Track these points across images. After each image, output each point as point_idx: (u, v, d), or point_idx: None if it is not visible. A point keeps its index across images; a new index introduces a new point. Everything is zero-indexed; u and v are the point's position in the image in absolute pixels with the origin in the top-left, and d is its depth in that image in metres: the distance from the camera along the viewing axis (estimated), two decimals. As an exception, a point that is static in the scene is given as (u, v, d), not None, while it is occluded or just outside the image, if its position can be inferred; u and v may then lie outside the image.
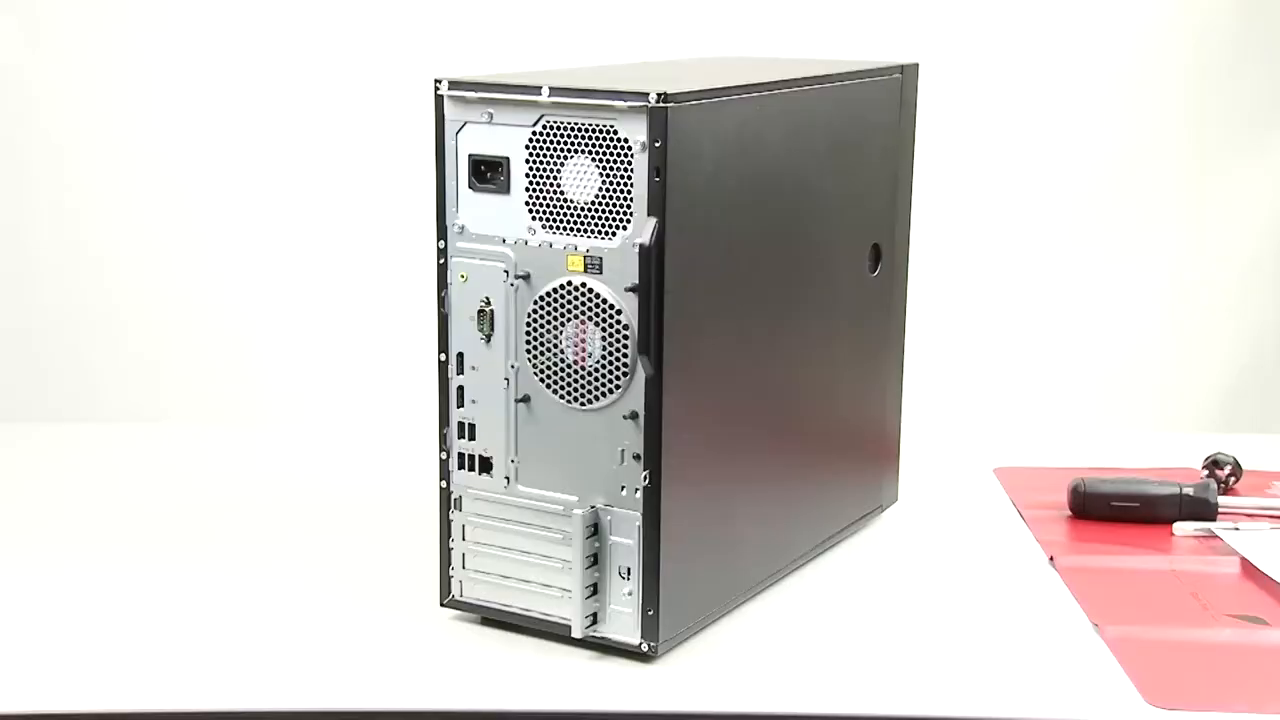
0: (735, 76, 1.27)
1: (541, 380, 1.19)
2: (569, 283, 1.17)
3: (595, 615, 1.20)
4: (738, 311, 1.21)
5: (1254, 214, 2.58)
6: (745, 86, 1.21)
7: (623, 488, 1.18)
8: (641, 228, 1.12)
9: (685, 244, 1.14)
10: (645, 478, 1.15)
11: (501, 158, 1.18)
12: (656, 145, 1.10)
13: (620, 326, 1.15)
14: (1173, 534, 1.47)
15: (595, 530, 1.19)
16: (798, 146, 1.28)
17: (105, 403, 2.65)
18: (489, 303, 1.20)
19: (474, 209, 1.20)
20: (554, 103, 1.15)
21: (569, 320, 1.17)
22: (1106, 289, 2.41)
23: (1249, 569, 1.40)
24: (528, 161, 1.17)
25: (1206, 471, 1.61)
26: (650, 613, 1.18)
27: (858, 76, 1.37)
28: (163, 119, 2.64)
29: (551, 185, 1.17)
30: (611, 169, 1.14)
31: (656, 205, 1.12)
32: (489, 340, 1.21)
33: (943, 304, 2.28)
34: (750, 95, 1.20)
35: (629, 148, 1.13)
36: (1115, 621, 1.27)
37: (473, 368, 1.22)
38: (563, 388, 1.18)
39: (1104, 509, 1.51)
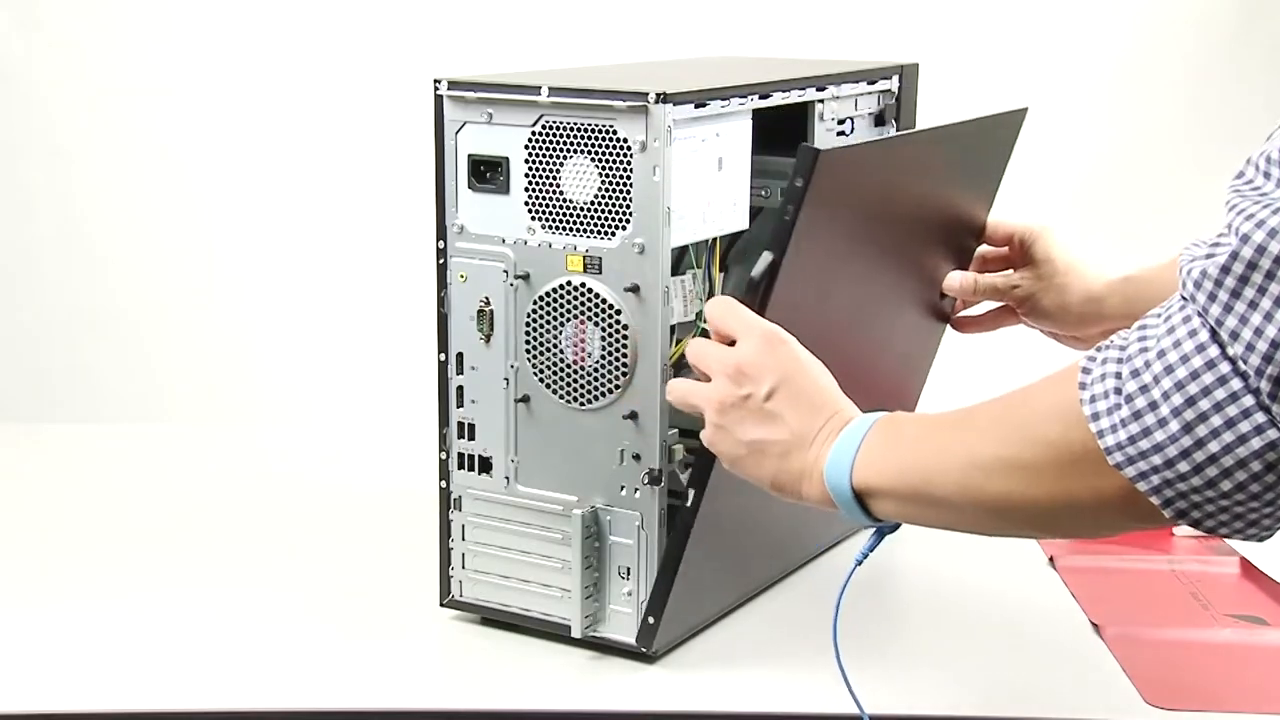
0: (735, 76, 1.27)
1: (541, 380, 1.19)
2: (568, 283, 1.17)
3: (595, 615, 1.20)
4: (819, 345, 1.14)
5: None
6: (746, 87, 1.21)
7: (622, 488, 1.18)
8: (757, 259, 1.09)
9: (793, 283, 1.11)
10: (691, 497, 1.14)
11: (501, 158, 1.18)
12: (798, 184, 1.07)
13: (620, 326, 1.15)
14: (1173, 534, 1.47)
15: (595, 530, 1.19)
16: (922, 192, 1.26)
17: (106, 403, 2.65)
18: (489, 303, 1.20)
19: (473, 209, 1.20)
20: (553, 103, 1.15)
21: (568, 320, 1.17)
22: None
23: (1249, 569, 1.40)
24: (527, 161, 1.17)
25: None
26: (651, 620, 1.17)
27: (856, 77, 1.37)
28: (164, 120, 2.65)
29: (551, 185, 1.17)
30: (611, 169, 1.14)
31: (780, 243, 1.08)
32: (489, 340, 1.21)
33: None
34: (893, 144, 1.17)
35: (628, 148, 1.12)
36: (1115, 621, 1.27)
37: (472, 368, 1.22)
38: (562, 388, 1.18)
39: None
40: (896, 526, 1.02)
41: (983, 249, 1.39)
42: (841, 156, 1.09)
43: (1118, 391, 0.83)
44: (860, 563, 1.05)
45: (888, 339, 1.35)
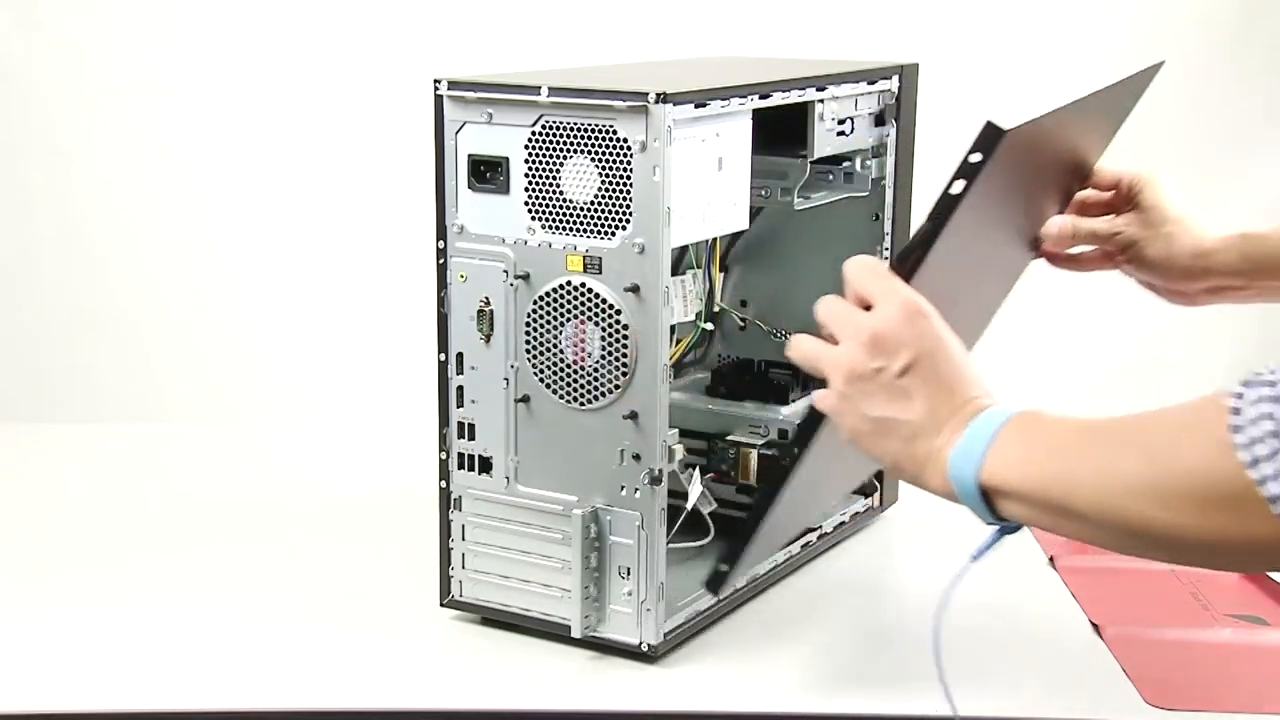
0: (735, 76, 1.27)
1: (541, 380, 1.19)
2: (568, 282, 1.17)
3: (595, 615, 1.20)
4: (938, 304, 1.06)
5: (1254, 212, 2.58)
6: (746, 87, 1.21)
7: (622, 488, 1.18)
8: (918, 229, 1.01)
9: (940, 254, 1.02)
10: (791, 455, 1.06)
11: (501, 158, 1.18)
12: (975, 160, 0.97)
13: (620, 326, 1.15)
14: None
15: (595, 530, 1.19)
16: (1062, 153, 1.21)
17: (106, 403, 2.65)
18: (489, 303, 1.20)
19: (474, 209, 1.20)
20: (553, 103, 1.15)
21: (568, 320, 1.17)
22: (1107, 289, 2.41)
23: (1249, 569, 1.39)
24: (527, 161, 1.17)
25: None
26: (724, 568, 1.13)
27: (856, 77, 1.37)
28: (165, 120, 2.65)
29: (551, 185, 1.17)
30: (611, 169, 1.14)
31: (942, 216, 0.98)
32: (489, 340, 1.21)
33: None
34: (1062, 115, 1.10)
35: (628, 148, 1.12)
36: (1115, 621, 1.27)
37: (472, 368, 1.22)
38: (562, 388, 1.18)
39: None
40: (1019, 527, 0.96)
41: (1083, 193, 1.31)
42: (1021, 133, 1.01)
43: (1275, 435, 0.78)
44: (976, 560, 1.00)
45: (983, 287, 1.27)
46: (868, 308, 0.97)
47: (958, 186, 0.98)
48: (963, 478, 0.93)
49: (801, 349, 1.00)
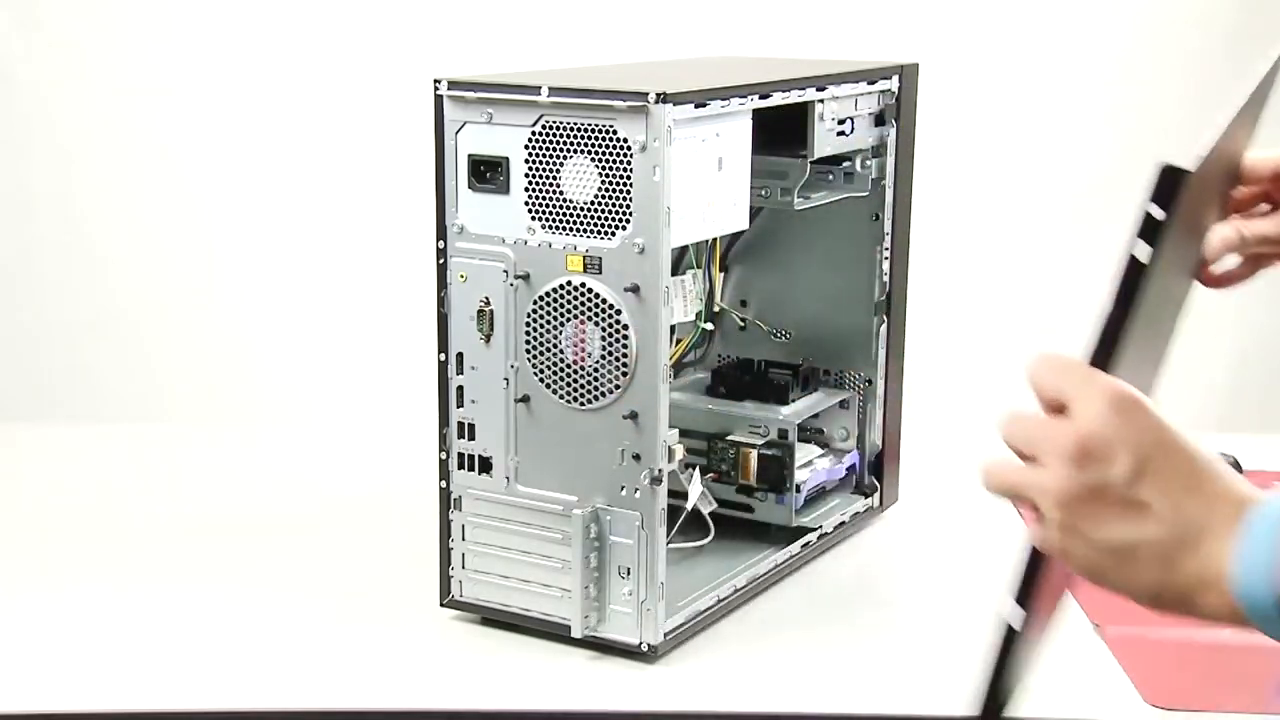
0: (735, 76, 1.27)
1: (541, 380, 1.19)
2: (568, 282, 1.17)
3: (595, 615, 1.20)
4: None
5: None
6: (746, 87, 1.21)
7: (622, 488, 1.18)
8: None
9: (1129, 336, 0.84)
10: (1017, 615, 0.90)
11: (501, 158, 1.18)
12: (1157, 217, 0.80)
13: (620, 326, 1.15)
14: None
15: (595, 530, 1.19)
16: (1226, 159, 1.06)
17: (106, 403, 2.65)
18: (489, 303, 1.20)
19: (474, 209, 1.20)
20: (553, 103, 1.15)
21: (568, 320, 1.17)
22: (1106, 289, 2.41)
23: (1249, 569, 1.39)
24: (527, 161, 1.17)
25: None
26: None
27: (856, 77, 1.37)
28: (165, 121, 2.65)
29: (551, 185, 1.17)
30: (611, 169, 1.14)
31: (1129, 293, 0.80)
32: (489, 340, 1.21)
33: (944, 303, 2.28)
34: (1232, 125, 0.94)
35: (628, 148, 1.13)
36: (1115, 621, 1.27)
37: (472, 368, 1.22)
38: (562, 388, 1.18)
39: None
40: None
41: (1238, 191, 1.12)
42: (1201, 169, 0.85)
43: None
44: None
45: (1161, 338, 1.07)
46: (1060, 411, 0.79)
47: (1143, 253, 0.81)
48: (1256, 595, 0.76)
49: (997, 479, 0.81)
